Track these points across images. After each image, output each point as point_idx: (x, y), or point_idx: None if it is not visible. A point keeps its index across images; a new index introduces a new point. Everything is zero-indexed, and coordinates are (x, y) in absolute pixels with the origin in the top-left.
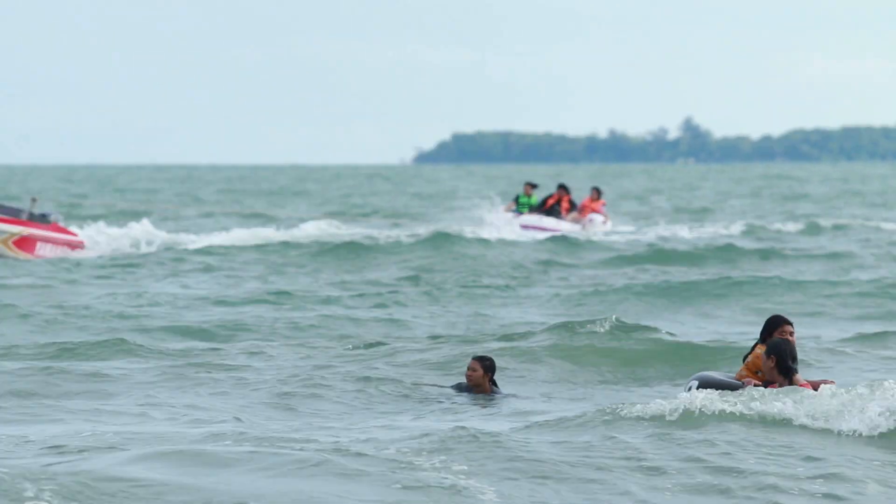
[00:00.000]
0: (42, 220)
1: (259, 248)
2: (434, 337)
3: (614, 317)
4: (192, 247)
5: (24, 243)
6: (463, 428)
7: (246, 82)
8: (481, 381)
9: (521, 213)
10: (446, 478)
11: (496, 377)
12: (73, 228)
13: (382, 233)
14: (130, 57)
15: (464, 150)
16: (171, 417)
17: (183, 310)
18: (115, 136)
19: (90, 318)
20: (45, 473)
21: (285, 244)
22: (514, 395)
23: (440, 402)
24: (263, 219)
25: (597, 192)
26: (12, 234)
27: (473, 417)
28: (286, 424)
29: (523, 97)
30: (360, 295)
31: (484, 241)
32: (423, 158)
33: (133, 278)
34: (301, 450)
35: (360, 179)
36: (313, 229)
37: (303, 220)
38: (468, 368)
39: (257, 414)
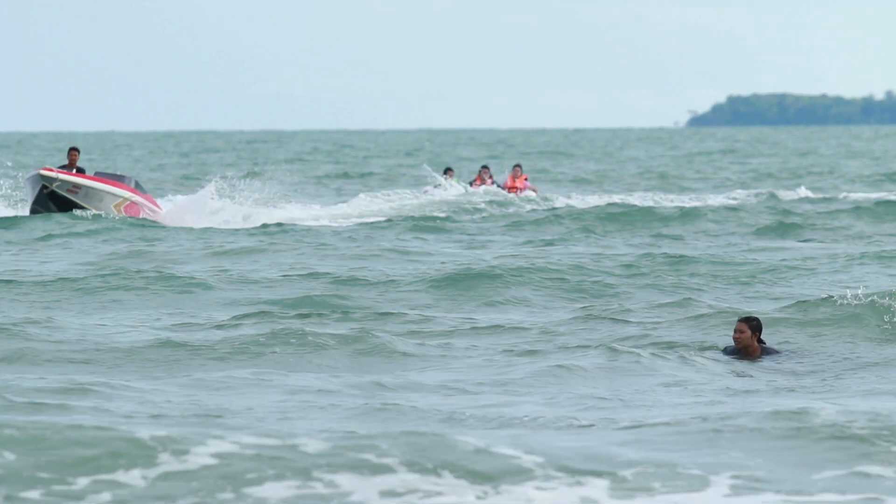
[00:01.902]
0: (139, 188)
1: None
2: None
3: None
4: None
5: (131, 209)
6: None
7: (523, 47)
8: (749, 342)
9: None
10: None
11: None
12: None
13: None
14: (416, 26)
15: (738, 112)
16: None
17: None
18: (395, 102)
19: None
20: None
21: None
22: (787, 353)
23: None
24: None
25: (519, 169)
26: (125, 199)
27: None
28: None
29: (799, 59)
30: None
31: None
32: (698, 121)
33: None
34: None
35: (630, 141)
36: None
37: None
38: (735, 331)
39: None
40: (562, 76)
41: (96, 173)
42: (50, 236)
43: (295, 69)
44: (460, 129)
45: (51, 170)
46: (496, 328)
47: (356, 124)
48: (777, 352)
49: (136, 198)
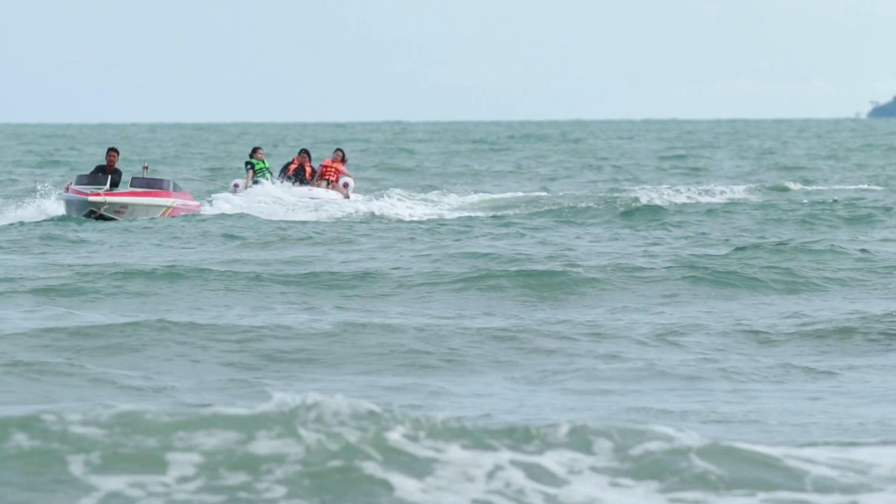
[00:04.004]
0: (176, 188)
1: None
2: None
3: None
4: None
5: (173, 214)
6: None
7: (700, 37)
8: None
9: (259, 181)
10: None
11: None
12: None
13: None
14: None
15: None
16: None
17: None
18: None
19: None
20: None
21: None
22: None
23: None
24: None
25: (340, 153)
26: (168, 208)
27: None
28: None
29: None
30: None
31: None
32: (879, 112)
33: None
34: None
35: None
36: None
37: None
38: None
39: None
40: (739, 66)
41: (134, 178)
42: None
43: (471, 59)
44: (639, 120)
45: (98, 194)
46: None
47: (527, 115)
48: None
49: (177, 202)
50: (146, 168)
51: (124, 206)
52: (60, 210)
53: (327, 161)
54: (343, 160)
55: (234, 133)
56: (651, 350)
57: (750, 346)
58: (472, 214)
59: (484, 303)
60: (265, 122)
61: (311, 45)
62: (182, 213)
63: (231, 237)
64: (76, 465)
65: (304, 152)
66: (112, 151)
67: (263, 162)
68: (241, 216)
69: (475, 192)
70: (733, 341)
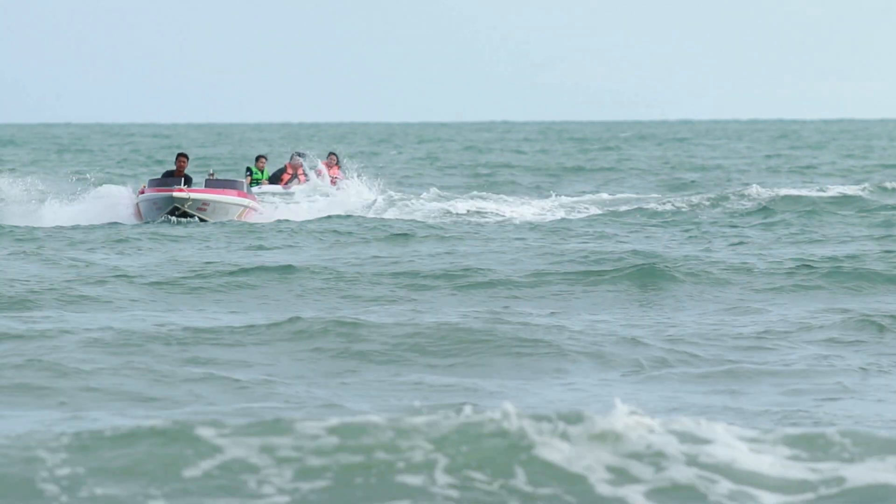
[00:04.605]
0: (249, 191)
1: None
2: None
3: None
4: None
5: (249, 215)
6: None
7: (806, 36)
8: None
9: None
10: None
11: None
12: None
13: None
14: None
15: None
16: None
17: None
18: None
19: None
20: None
21: None
22: None
23: None
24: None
25: (335, 157)
26: (244, 208)
27: None
28: None
29: None
30: None
31: None
32: None
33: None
34: None
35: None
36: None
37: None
38: None
39: None
40: (848, 66)
41: (207, 182)
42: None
43: (576, 59)
44: (745, 120)
45: (182, 190)
46: None
47: (634, 115)
48: None
49: (252, 203)
50: (212, 175)
51: (206, 202)
52: (129, 213)
53: (322, 164)
54: (338, 164)
55: (341, 132)
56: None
57: None
58: (588, 213)
59: (602, 301)
60: (371, 122)
61: (418, 45)
62: (255, 214)
63: (344, 234)
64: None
65: (299, 154)
66: (182, 157)
67: (262, 172)
68: (346, 215)
69: (586, 192)
70: None
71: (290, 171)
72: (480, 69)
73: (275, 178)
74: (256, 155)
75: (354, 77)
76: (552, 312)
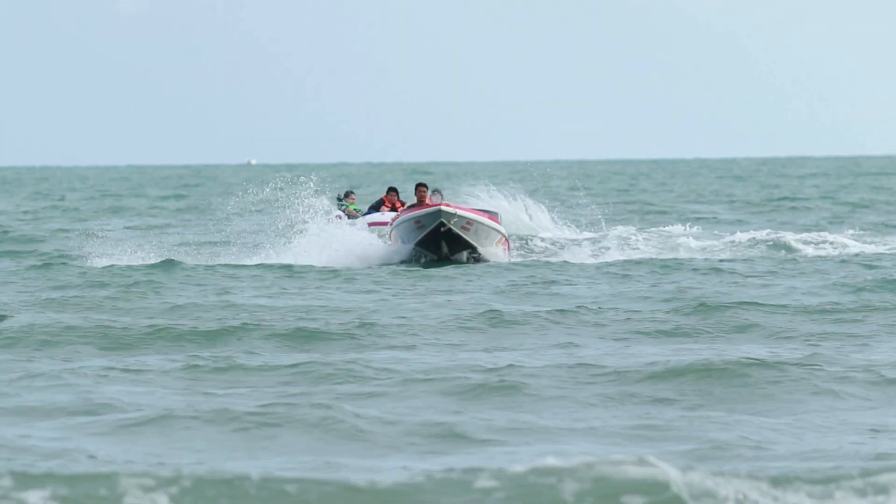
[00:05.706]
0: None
1: None
2: None
3: None
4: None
5: (505, 244)
6: None
7: None
8: None
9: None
10: None
11: None
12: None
13: None
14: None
15: None
16: None
17: None
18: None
19: None
20: None
21: None
22: None
23: None
24: None
25: (395, 193)
26: (503, 236)
27: None
28: None
29: None
30: None
31: None
32: None
33: None
34: None
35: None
36: None
37: None
38: None
39: None
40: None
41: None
42: None
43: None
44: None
45: (449, 205)
46: None
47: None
48: None
49: (505, 231)
50: (439, 193)
51: (470, 221)
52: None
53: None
54: (398, 199)
55: (612, 170)
56: None
57: None
58: None
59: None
60: (655, 159)
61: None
62: (510, 246)
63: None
64: None
65: (393, 191)
66: (421, 186)
67: (352, 205)
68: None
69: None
70: None
71: (387, 203)
72: (766, 105)
73: (376, 208)
74: (346, 191)
75: (568, 114)
76: None
